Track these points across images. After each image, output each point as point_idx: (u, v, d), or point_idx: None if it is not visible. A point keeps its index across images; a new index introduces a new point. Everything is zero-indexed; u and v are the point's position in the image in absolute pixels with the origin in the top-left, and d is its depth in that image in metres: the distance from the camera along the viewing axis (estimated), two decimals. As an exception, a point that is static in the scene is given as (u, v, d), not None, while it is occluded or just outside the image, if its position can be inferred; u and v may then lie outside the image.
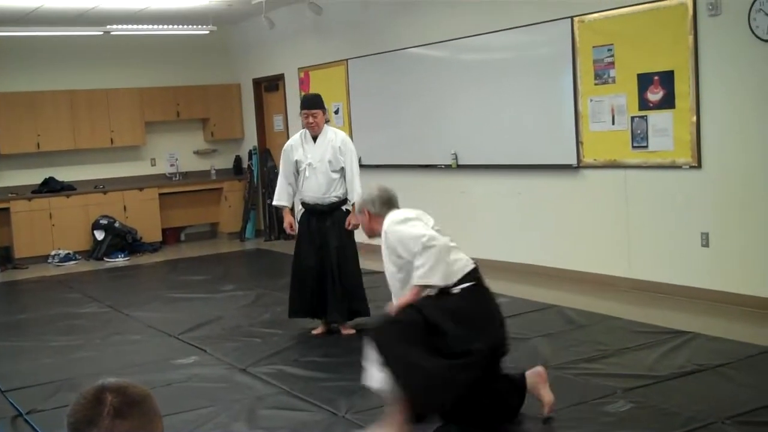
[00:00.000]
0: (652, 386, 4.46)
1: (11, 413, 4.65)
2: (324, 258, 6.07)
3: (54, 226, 10.76)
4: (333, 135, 6.16)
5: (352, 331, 6.06)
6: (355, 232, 5.87)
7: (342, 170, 6.09)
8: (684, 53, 6.26)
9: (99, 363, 5.72)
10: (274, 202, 6.41)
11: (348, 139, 6.26)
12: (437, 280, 3.92)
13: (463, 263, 4.06)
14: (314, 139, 6.13)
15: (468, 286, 3.97)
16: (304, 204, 6.20)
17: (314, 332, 6.15)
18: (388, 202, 4.40)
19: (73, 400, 1.60)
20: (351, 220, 6.01)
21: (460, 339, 3.82)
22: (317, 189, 6.09)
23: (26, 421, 4.51)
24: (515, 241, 8.05)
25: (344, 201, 6.13)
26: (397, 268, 4.13)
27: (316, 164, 6.06)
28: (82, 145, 11.19)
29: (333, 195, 6.11)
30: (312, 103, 6.13)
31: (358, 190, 5.93)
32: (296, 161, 6.15)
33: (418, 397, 3.80)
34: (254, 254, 10.88)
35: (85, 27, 10.57)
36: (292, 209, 6.38)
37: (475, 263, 4.11)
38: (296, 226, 6.38)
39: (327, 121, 6.26)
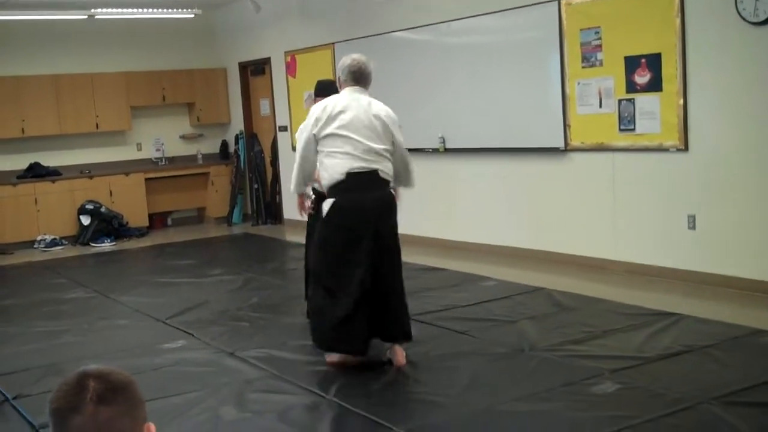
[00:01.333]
0: (639, 367, 4.47)
1: (-2, 398, 4.64)
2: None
3: (39, 212, 10.70)
4: None
5: None
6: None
7: None
8: (671, 36, 6.26)
9: (86, 348, 5.70)
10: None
11: None
12: (292, 188, 4.92)
13: (329, 176, 4.62)
14: None
15: (327, 211, 4.62)
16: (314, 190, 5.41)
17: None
18: (354, 75, 4.76)
19: (55, 386, 1.58)
20: None
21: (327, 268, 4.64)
22: None
23: (13, 406, 4.49)
24: (503, 224, 8.06)
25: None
26: None
27: None
28: (67, 130, 11.11)
29: None
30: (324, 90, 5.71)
31: None
32: None
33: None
34: (241, 239, 10.85)
35: (69, 11, 10.48)
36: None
37: (350, 170, 4.56)
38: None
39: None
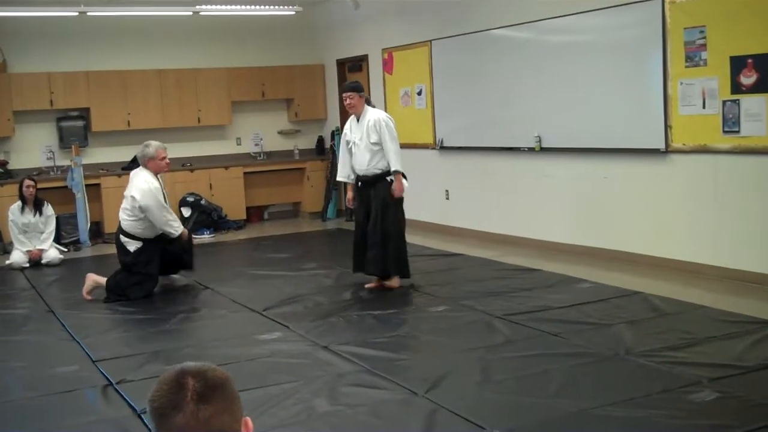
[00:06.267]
0: (739, 377, 4.36)
1: (102, 382, 4.81)
2: (368, 219, 6.96)
3: (143, 203, 11.03)
4: (370, 115, 6.94)
5: (395, 285, 6.92)
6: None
7: (378, 146, 6.86)
8: (780, 35, 6.07)
9: (185, 336, 5.88)
10: (337, 178, 7.47)
11: (383, 118, 6.93)
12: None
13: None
14: (358, 119, 7.02)
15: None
16: (356, 175, 7.09)
17: (366, 286, 6.97)
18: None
19: (154, 385, 1.61)
20: (396, 187, 6.87)
21: None
22: (361, 162, 6.94)
23: (116, 390, 4.66)
24: (599, 226, 7.94)
25: (387, 172, 6.88)
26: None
27: (358, 141, 6.93)
28: (170, 123, 11.43)
29: (375, 167, 6.90)
30: (347, 87, 7.08)
31: (394, 162, 6.82)
32: (347, 141, 7.11)
33: None
34: (335, 234, 10.97)
35: (174, 7, 10.79)
36: (355, 184, 7.17)
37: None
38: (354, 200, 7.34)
39: (369, 104, 7.05)
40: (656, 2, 6.98)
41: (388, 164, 6.84)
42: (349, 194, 7.27)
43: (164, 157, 7.23)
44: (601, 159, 7.82)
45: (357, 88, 7.01)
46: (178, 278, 7.71)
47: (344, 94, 7.01)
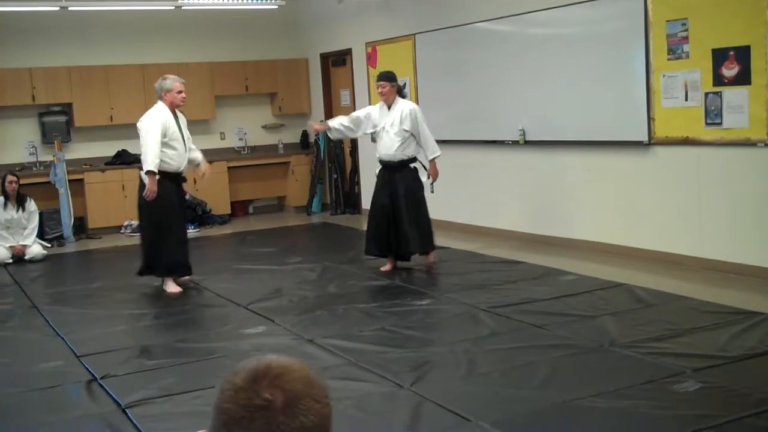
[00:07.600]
0: (723, 367, 4.39)
1: (86, 377, 4.79)
2: (394, 202, 7.27)
3: (126, 198, 10.94)
4: (404, 105, 7.28)
5: (433, 259, 7.43)
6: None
7: (409, 133, 7.21)
8: (761, 28, 6.09)
9: (170, 331, 5.85)
10: (328, 121, 7.82)
11: (418, 109, 7.36)
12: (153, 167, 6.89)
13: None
14: (389, 107, 7.29)
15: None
16: (380, 160, 7.40)
17: (382, 269, 7.28)
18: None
19: (227, 387, 1.27)
20: (434, 171, 7.39)
21: None
22: (389, 147, 7.25)
23: (101, 385, 4.64)
24: (584, 218, 7.96)
25: (412, 159, 7.33)
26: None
27: (388, 128, 7.22)
28: (153, 118, 11.36)
29: (402, 153, 7.24)
30: (381, 76, 7.38)
31: (435, 149, 7.34)
32: (374, 124, 7.36)
33: None
34: (320, 228, 10.97)
35: (157, 1, 10.74)
36: (380, 169, 7.47)
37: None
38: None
39: (401, 94, 7.38)
40: (639, -5, 7.01)
41: (415, 151, 7.31)
42: (317, 125, 7.99)
43: (181, 91, 6.98)
44: (585, 151, 7.84)
45: (390, 78, 7.30)
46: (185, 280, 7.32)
47: (377, 83, 7.35)
